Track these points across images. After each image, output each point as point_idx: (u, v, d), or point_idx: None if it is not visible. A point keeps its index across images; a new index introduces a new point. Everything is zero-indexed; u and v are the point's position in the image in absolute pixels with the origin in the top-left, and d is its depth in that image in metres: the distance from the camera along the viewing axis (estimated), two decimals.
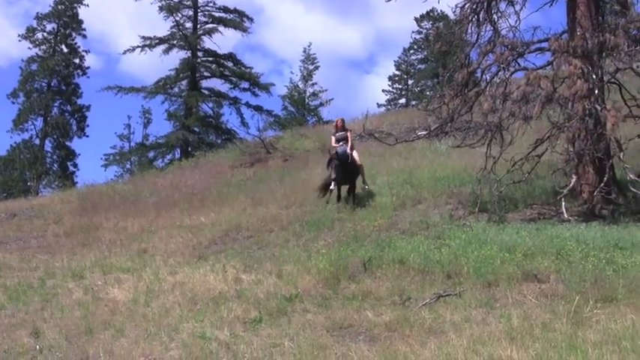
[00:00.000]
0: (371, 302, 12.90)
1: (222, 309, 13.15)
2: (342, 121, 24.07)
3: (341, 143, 22.78)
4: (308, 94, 71.43)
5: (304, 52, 72.27)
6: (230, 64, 66.60)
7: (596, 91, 19.58)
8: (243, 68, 66.26)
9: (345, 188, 22.83)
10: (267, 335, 11.49)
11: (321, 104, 71.02)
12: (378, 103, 75.05)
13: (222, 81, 66.57)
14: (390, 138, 26.49)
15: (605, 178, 19.11)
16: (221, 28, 65.11)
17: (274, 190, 26.59)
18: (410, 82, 76.51)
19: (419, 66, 75.66)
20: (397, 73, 77.20)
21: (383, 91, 77.56)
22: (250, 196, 26.61)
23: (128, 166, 72.56)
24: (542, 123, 21.17)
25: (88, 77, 78.51)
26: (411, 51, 75.77)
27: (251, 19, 66.22)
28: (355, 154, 22.82)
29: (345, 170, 22.17)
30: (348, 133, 23.41)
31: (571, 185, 19.54)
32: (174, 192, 32.98)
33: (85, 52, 75.23)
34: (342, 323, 11.84)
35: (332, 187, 22.26)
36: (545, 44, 20.84)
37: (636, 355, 8.91)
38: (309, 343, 10.64)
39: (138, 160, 69.48)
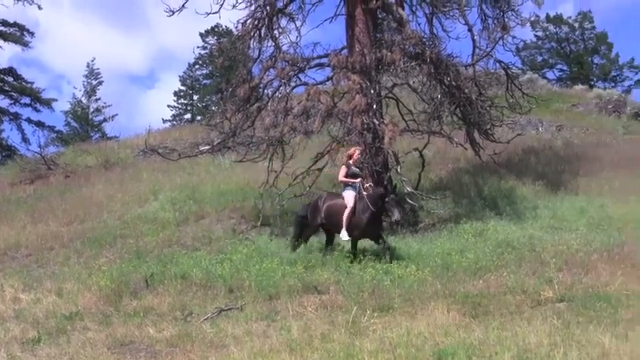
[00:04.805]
0: (153, 318, 12.66)
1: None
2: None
3: (358, 180, 17.03)
4: (91, 109, 69.54)
5: (87, 66, 70.25)
6: (10, 78, 63.57)
7: (374, 106, 20.26)
8: (23, 83, 63.45)
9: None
10: (45, 355, 11.03)
11: (105, 120, 69.27)
12: (163, 119, 73.88)
13: (2, 96, 63.49)
14: (174, 153, 26.24)
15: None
16: (0, 42, 62.15)
17: (55, 207, 25.62)
18: (195, 97, 76.17)
19: (204, 81, 75.38)
20: (182, 88, 76.61)
21: (168, 106, 76.69)
22: (30, 214, 25.48)
23: None
24: (323, 137, 21.63)
25: None
26: (196, 66, 75.37)
27: (32, 33, 63.57)
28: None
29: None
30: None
31: None
32: None
33: None
34: (123, 340, 11.55)
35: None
36: (325, 60, 21.37)
37: None
38: None
39: None
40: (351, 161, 17.24)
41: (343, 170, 17.14)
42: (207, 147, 23.19)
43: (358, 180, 16.81)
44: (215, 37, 68.85)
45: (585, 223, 19.46)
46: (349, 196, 16.58)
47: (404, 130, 21.39)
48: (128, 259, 17.53)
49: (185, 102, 76.18)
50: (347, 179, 16.91)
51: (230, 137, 21.71)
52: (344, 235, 16.21)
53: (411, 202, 19.82)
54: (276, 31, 21.83)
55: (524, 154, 29.81)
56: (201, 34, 72.13)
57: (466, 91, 21.99)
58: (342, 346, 10.04)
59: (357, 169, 17.28)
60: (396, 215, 15.87)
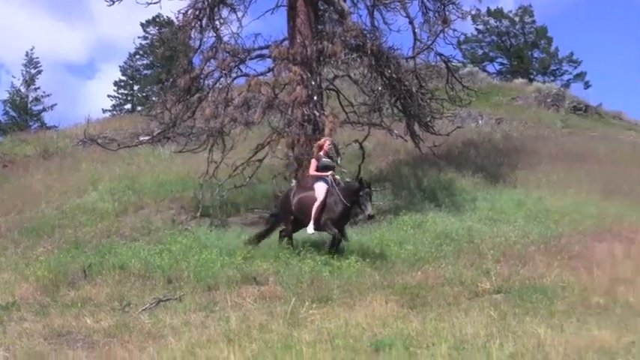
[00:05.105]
0: (90, 309, 12.50)
1: None
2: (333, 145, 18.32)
3: (330, 173, 16.17)
4: (30, 98, 68.37)
5: (26, 55, 68.99)
6: None
7: (315, 98, 20.34)
8: None
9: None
10: None
11: (44, 109, 68.17)
12: (103, 109, 72.79)
13: None
14: (113, 144, 25.98)
15: None
16: None
17: None
18: (135, 87, 75.35)
19: (144, 71, 74.60)
20: (123, 78, 75.69)
21: (108, 96, 75.71)
22: None
23: None
24: (263, 128, 21.62)
25: None
26: (137, 56, 74.52)
27: None
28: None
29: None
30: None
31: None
32: None
33: None
34: (60, 330, 11.39)
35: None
36: (266, 51, 21.36)
37: (348, 352, 9.24)
38: (25, 352, 10.15)
39: None
40: (321, 152, 16.43)
41: (314, 164, 16.28)
42: (147, 137, 23.06)
43: (329, 173, 16.06)
44: (156, 27, 68.04)
45: (523, 215, 19.80)
46: (320, 189, 15.84)
47: (344, 122, 21.49)
48: (66, 250, 17.29)
49: (125, 92, 75.26)
50: (318, 173, 16.08)
51: (170, 128, 21.60)
52: (310, 229, 15.68)
53: None
54: (217, 22, 21.75)
55: (464, 146, 30.11)
56: (142, 24, 71.26)
57: (407, 83, 22.19)
58: (280, 336, 10.05)
59: (329, 160, 16.52)
60: (369, 210, 15.20)
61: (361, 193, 15.20)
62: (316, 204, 15.64)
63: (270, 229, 16.95)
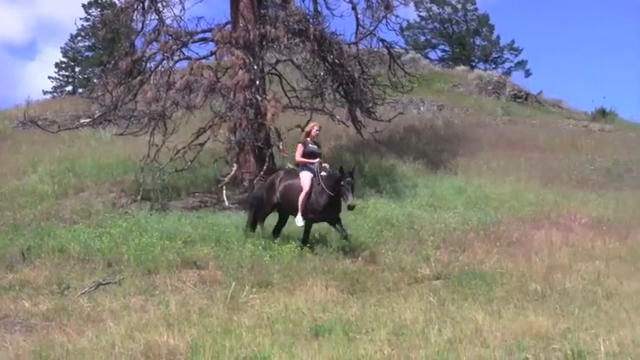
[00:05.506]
0: (29, 292, 12.40)
1: None
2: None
3: (317, 160, 15.31)
4: None
5: None
6: None
7: (257, 82, 20.41)
8: None
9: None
10: None
11: None
12: (44, 90, 71.69)
13: None
14: (54, 126, 25.64)
15: (265, 167, 19.95)
16: None
17: None
18: (77, 69, 74.38)
19: (86, 53, 73.71)
20: (64, 60, 74.66)
21: (49, 78, 74.66)
22: None
23: None
24: (205, 112, 21.57)
25: None
26: (78, 38, 73.59)
27: None
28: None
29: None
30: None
31: (232, 173, 20.19)
32: None
33: None
34: None
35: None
36: (208, 34, 21.36)
37: (287, 337, 9.32)
38: None
39: None
40: (308, 138, 15.54)
41: (300, 149, 15.37)
42: (88, 120, 22.82)
43: (316, 161, 15.20)
44: (98, 9, 67.24)
45: (463, 202, 20.10)
46: (305, 178, 15.06)
47: (286, 107, 21.58)
48: (4, 232, 17.08)
49: (66, 74, 74.24)
50: (304, 160, 15.25)
51: (112, 110, 21.43)
52: (299, 221, 15.03)
53: None
54: (159, 4, 21.59)
55: (406, 132, 30.39)
56: (83, 5, 70.19)
57: (349, 69, 22.35)
58: (220, 321, 10.11)
59: (315, 147, 15.53)
60: (350, 200, 14.30)
61: (342, 183, 14.41)
62: (302, 194, 14.93)
63: (256, 213, 16.21)
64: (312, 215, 14.85)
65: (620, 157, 28.22)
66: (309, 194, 14.91)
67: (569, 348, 8.30)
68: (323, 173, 15.07)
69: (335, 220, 14.94)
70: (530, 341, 8.84)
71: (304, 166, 15.25)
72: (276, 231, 15.77)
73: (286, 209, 15.62)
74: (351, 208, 14.36)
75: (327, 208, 14.77)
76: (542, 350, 8.48)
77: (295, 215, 15.07)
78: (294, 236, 15.29)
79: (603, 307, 10.66)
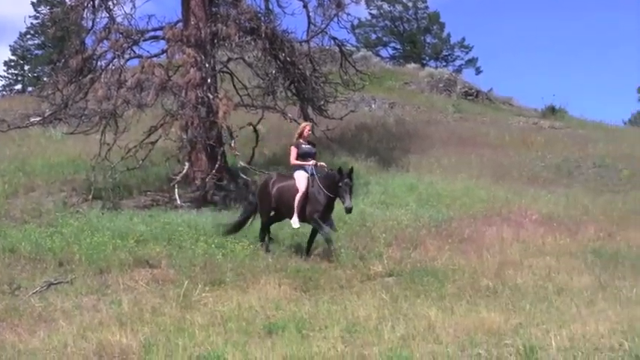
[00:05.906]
0: None
1: None
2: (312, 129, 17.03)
3: (311, 162, 14.99)
4: None
5: None
6: None
7: (209, 80, 20.40)
8: None
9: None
10: None
11: None
12: None
13: None
14: (3, 124, 25.32)
15: (217, 165, 19.98)
16: None
17: None
18: (26, 67, 73.56)
19: (36, 51, 72.93)
20: (13, 58, 73.81)
21: None
22: None
23: None
24: (157, 111, 21.49)
25: None
26: (28, 36, 72.77)
27: None
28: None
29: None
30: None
31: (184, 172, 20.14)
32: None
33: None
34: None
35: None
36: (160, 33, 21.28)
37: (241, 335, 9.30)
38: None
39: None
40: (301, 139, 15.15)
41: (294, 152, 14.99)
42: (38, 118, 22.54)
43: (312, 162, 14.85)
44: (47, 7, 66.42)
45: (415, 199, 20.23)
46: (301, 179, 14.69)
47: (238, 105, 21.55)
48: None
49: (16, 72, 73.39)
50: (299, 162, 14.87)
51: (62, 109, 21.24)
52: (295, 223, 14.66)
53: (244, 176, 20.09)
54: (110, 2, 21.45)
55: (357, 130, 30.51)
56: (33, 3, 69.28)
57: (300, 67, 22.44)
58: (173, 319, 10.07)
59: (309, 147, 15.16)
60: (348, 202, 13.89)
61: (340, 184, 14.03)
62: (298, 195, 14.54)
63: (246, 218, 15.86)
64: (316, 214, 14.41)
65: (570, 154, 28.58)
66: (305, 194, 14.57)
67: (521, 343, 8.36)
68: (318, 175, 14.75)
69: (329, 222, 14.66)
70: (482, 337, 8.90)
71: (298, 167, 14.93)
72: (267, 234, 15.50)
73: (282, 212, 15.23)
74: (348, 210, 14.05)
75: (326, 209, 14.53)
76: (494, 346, 8.54)
77: (291, 217, 14.71)
78: (248, 235, 15.32)
79: (554, 302, 10.81)
